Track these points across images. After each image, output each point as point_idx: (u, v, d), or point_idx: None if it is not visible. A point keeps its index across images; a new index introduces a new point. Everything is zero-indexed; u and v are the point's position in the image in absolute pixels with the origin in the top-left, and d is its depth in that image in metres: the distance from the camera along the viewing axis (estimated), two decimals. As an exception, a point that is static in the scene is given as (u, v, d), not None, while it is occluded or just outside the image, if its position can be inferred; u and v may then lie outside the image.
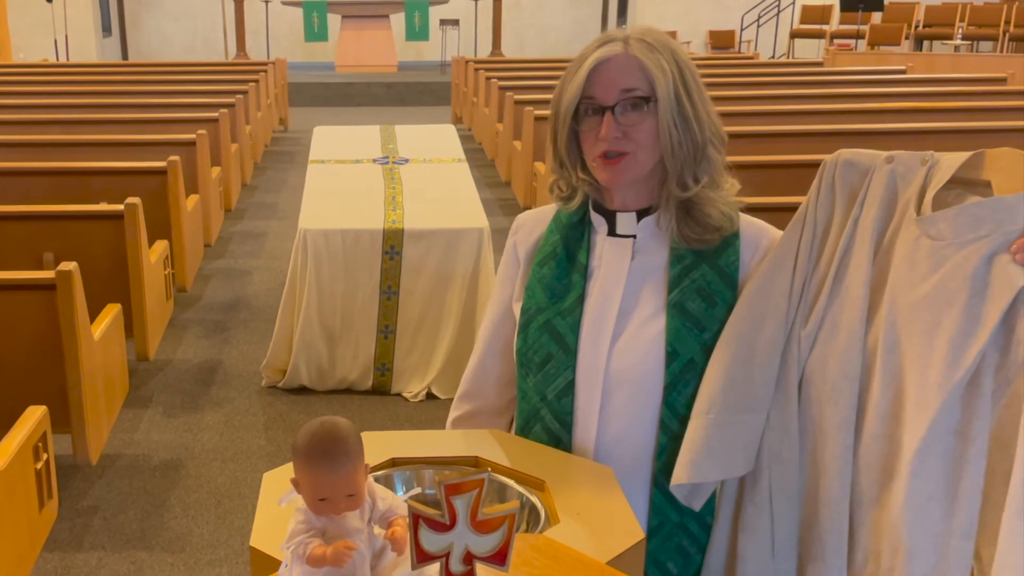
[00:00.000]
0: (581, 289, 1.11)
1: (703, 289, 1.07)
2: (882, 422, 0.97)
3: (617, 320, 1.10)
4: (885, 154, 1.00)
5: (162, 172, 3.57)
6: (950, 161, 0.96)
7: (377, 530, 0.89)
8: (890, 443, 0.96)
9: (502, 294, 1.22)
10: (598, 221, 1.14)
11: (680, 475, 1.04)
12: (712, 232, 1.08)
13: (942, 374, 0.90)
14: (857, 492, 0.99)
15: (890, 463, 0.96)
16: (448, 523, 0.76)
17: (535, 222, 1.20)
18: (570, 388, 1.10)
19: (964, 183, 0.96)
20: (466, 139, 5.38)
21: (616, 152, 1.05)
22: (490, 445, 1.12)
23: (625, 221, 1.12)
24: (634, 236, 1.12)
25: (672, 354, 1.07)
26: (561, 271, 1.13)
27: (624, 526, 0.95)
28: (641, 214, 1.12)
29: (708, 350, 1.07)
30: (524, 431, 1.16)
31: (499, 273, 1.24)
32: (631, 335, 1.09)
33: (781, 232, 1.10)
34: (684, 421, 1.07)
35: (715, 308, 1.07)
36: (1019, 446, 0.87)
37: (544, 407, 1.13)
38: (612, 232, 1.13)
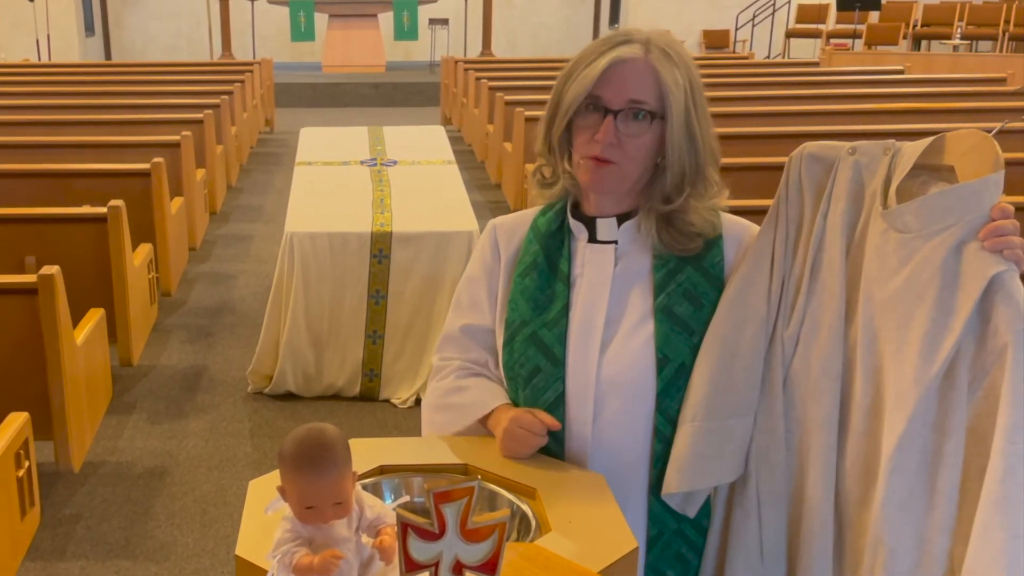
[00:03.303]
0: (565, 299, 1.10)
1: (689, 292, 1.07)
2: (864, 419, 0.97)
3: (604, 328, 1.08)
4: (848, 145, 0.99)
5: (146, 174, 3.53)
6: (911, 149, 0.95)
7: (365, 539, 0.88)
8: (872, 440, 0.96)
9: (478, 288, 1.16)
10: (577, 228, 1.12)
11: (671, 484, 1.04)
12: (694, 239, 1.07)
13: (917, 369, 0.90)
14: (843, 492, 0.99)
15: (872, 461, 0.96)
16: (437, 532, 0.75)
17: (513, 226, 1.17)
18: (560, 400, 1.09)
19: (929, 169, 0.96)
20: (456, 141, 5.35)
21: (606, 158, 1.04)
22: (480, 452, 1.10)
23: (606, 227, 1.10)
24: (615, 242, 1.10)
25: (663, 359, 1.06)
26: (543, 281, 1.11)
27: (617, 534, 0.94)
28: (621, 218, 1.10)
29: (697, 354, 1.05)
30: None
31: (472, 269, 1.18)
32: (620, 342, 1.08)
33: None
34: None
35: (702, 310, 1.06)
36: (996, 437, 0.86)
37: None
38: (592, 239, 1.11)
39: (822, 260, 0.99)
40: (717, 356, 1.03)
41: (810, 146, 1.02)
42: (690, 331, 1.06)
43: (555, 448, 1.10)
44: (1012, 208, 0.90)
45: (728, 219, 1.11)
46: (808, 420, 1.00)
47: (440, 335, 1.22)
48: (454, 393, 1.17)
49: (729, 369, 1.02)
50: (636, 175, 1.06)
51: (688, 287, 1.06)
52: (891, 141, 0.98)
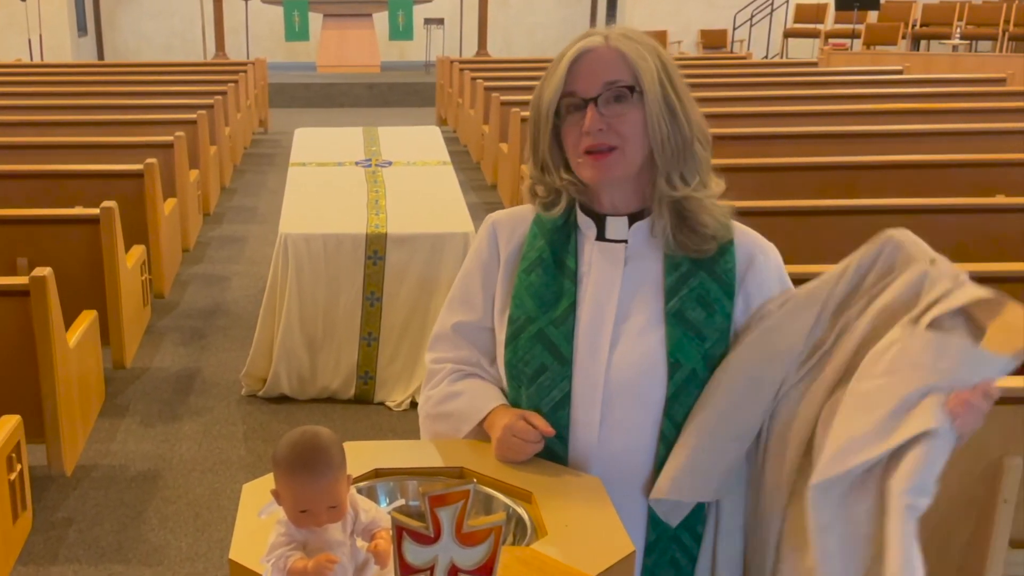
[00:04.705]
0: (572, 296, 1.08)
1: (702, 297, 1.06)
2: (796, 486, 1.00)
3: (612, 329, 1.07)
4: (933, 255, 1.01)
5: (139, 175, 3.51)
6: (971, 292, 0.96)
7: (360, 543, 0.88)
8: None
9: (474, 285, 1.14)
10: (586, 224, 1.11)
11: (661, 489, 1.04)
12: (709, 241, 1.07)
13: (821, 466, 0.94)
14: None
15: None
16: (432, 536, 0.75)
17: (513, 222, 1.16)
18: (567, 400, 1.07)
19: (968, 314, 0.97)
20: (451, 141, 5.34)
21: (602, 146, 1.03)
22: (476, 455, 1.10)
23: (616, 225, 1.09)
24: (625, 241, 1.09)
25: (675, 364, 1.05)
26: (549, 277, 1.09)
27: (613, 538, 0.94)
28: (632, 219, 1.09)
29: (708, 360, 1.05)
30: None
31: (468, 265, 1.16)
32: (630, 345, 1.06)
33: (773, 246, 1.11)
34: None
35: (714, 316, 1.06)
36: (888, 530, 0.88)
37: None
38: (601, 236, 1.10)
39: (841, 341, 1.02)
40: (744, 382, 1.04)
41: (904, 234, 1.03)
42: (702, 337, 1.05)
43: (559, 449, 1.09)
44: (998, 394, 0.91)
45: (740, 229, 1.11)
46: (765, 476, 1.04)
47: (432, 332, 1.21)
48: (448, 400, 1.15)
49: (750, 397, 1.04)
50: (639, 157, 1.05)
51: (701, 292, 1.06)
52: (964, 275, 0.98)
